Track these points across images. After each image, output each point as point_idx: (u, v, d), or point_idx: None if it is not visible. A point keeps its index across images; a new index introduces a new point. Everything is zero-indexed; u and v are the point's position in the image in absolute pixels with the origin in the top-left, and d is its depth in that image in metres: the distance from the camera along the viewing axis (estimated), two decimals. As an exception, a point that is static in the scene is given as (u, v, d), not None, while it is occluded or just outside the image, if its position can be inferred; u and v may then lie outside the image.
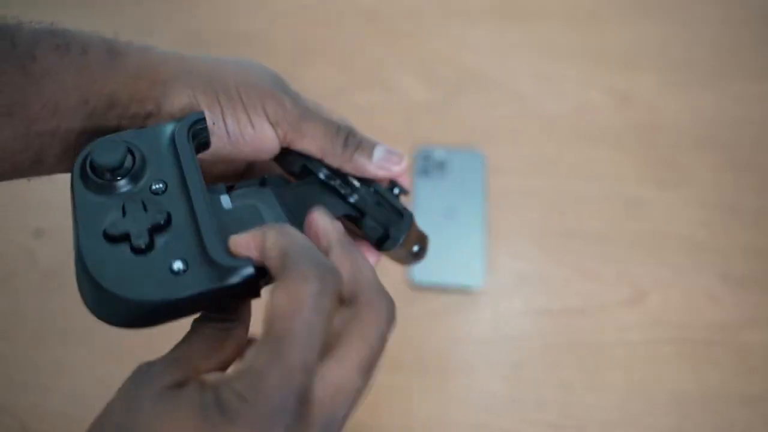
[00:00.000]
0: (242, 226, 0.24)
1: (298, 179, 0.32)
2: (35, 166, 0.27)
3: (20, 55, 0.25)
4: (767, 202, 0.61)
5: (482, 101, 0.68)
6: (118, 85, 0.26)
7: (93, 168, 0.25)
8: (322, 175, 0.31)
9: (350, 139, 0.30)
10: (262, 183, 0.30)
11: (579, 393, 0.52)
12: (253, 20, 0.75)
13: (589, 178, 0.63)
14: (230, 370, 0.23)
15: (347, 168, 0.31)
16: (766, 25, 0.74)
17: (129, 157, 0.26)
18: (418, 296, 0.57)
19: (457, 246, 0.59)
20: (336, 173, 0.32)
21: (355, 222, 0.32)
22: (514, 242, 0.59)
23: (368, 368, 0.21)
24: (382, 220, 0.32)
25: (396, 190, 0.35)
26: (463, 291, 0.57)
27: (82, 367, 0.54)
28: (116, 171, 0.25)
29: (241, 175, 0.34)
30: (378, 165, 0.31)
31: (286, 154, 0.32)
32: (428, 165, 0.63)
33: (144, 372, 0.21)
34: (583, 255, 0.59)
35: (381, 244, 0.32)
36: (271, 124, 0.28)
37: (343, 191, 0.31)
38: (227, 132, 0.27)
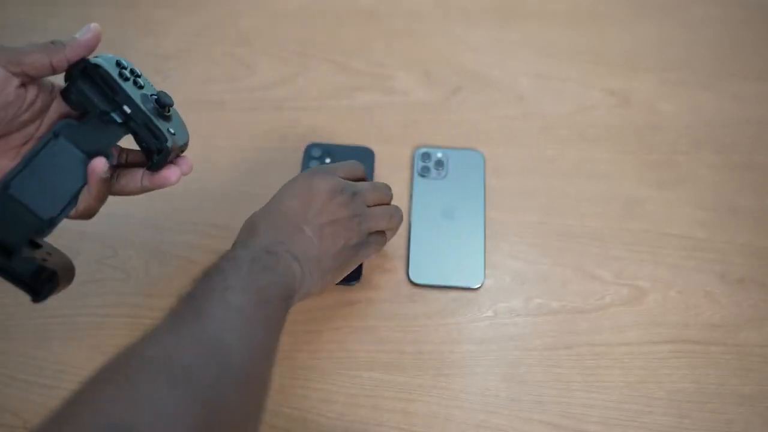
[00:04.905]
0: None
1: (81, 115, 0.41)
2: None
3: None
4: (767, 202, 0.61)
5: (482, 101, 0.68)
6: None
7: None
8: (99, 109, 0.40)
9: (56, 41, 0.38)
10: (56, 134, 0.40)
11: (578, 392, 0.52)
12: (253, 20, 0.75)
13: (589, 178, 0.63)
14: None
15: (68, 52, 0.38)
16: (766, 25, 0.74)
17: None
18: (418, 296, 0.57)
19: (457, 246, 0.59)
20: (113, 103, 0.40)
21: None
22: (514, 242, 0.60)
23: None
24: (150, 144, 0.41)
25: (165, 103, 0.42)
26: (463, 291, 0.57)
27: (84, 366, 0.54)
28: None
29: (38, 116, 0.40)
30: (82, 34, 0.39)
31: (67, 91, 0.39)
32: (428, 165, 0.63)
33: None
34: (582, 255, 0.59)
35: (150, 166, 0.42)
36: None
37: (119, 120, 0.40)
38: None
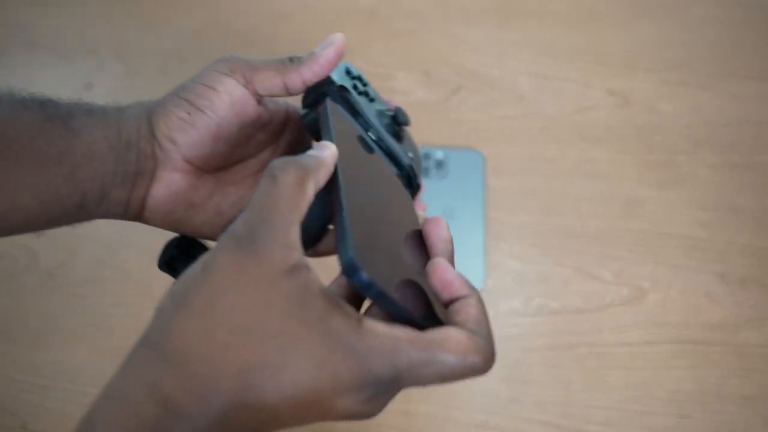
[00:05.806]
0: None
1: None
2: (79, 211, 0.31)
3: (63, 115, 0.31)
4: (766, 202, 0.61)
5: (482, 101, 0.68)
6: (130, 130, 0.32)
7: None
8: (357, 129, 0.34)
9: (294, 57, 0.34)
10: None
11: (578, 393, 0.52)
12: (253, 20, 0.75)
13: (589, 178, 0.63)
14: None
15: (304, 72, 0.34)
16: (766, 25, 0.74)
17: None
18: (418, 296, 0.57)
19: (457, 246, 0.58)
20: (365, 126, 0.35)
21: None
22: (514, 242, 0.60)
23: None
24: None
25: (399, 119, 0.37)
26: (463, 291, 0.57)
27: (83, 366, 0.54)
28: None
29: (274, 139, 0.37)
30: (321, 48, 0.34)
31: (308, 117, 0.35)
32: (428, 165, 0.63)
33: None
34: (582, 255, 0.59)
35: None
36: (229, 75, 0.33)
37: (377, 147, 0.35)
38: (205, 113, 0.32)
